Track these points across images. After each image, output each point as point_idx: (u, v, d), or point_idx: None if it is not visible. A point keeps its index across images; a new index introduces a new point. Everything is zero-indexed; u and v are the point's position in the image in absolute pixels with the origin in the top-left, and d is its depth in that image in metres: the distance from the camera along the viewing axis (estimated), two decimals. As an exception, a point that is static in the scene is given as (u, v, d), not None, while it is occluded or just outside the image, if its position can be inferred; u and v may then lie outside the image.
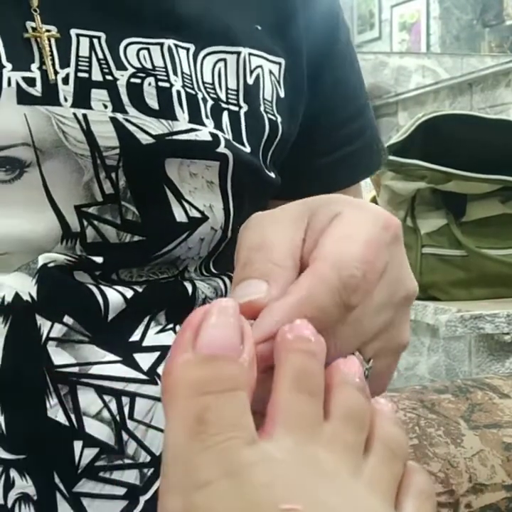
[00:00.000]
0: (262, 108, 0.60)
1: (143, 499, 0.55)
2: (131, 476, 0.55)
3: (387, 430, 0.35)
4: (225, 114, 0.58)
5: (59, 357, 0.53)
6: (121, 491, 0.54)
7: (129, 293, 0.55)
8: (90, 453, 0.53)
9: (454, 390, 1.08)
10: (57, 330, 0.53)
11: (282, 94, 0.62)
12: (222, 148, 0.56)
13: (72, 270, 0.54)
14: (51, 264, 0.53)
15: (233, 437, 0.30)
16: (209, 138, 0.56)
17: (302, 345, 0.34)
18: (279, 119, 0.62)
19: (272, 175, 0.62)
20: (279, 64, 0.62)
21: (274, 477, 0.30)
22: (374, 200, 1.65)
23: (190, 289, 0.59)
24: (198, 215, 0.56)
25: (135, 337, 0.56)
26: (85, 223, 0.53)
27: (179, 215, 0.56)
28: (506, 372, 1.45)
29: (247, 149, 0.59)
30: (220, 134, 0.56)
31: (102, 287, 0.55)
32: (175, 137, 0.55)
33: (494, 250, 1.54)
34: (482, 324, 1.44)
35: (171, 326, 0.58)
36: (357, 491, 0.32)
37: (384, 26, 6.49)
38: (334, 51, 0.68)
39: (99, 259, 0.54)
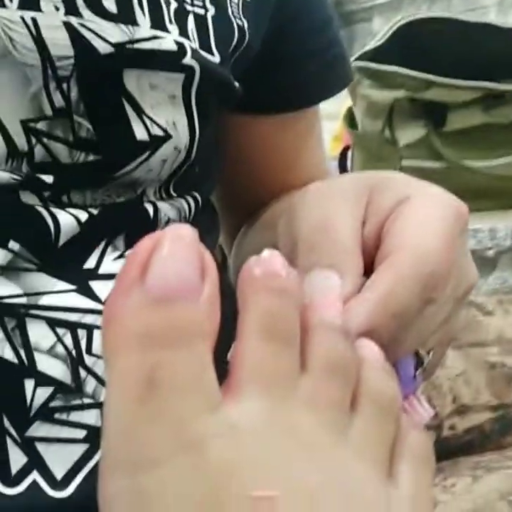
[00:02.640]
0: (230, 11, 0.56)
1: None
2: (92, 417, 0.51)
3: (376, 382, 0.30)
4: (191, 17, 0.54)
5: (3, 287, 0.49)
6: (80, 433, 0.50)
7: (83, 216, 0.51)
8: (44, 393, 0.49)
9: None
10: (1, 257, 0.49)
11: None
12: (188, 59, 0.52)
13: (18, 190, 0.49)
14: None
15: (190, 403, 0.24)
16: (174, 47, 0.51)
17: (272, 282, 0.27)
18: (246, 25, 0.58)
19: (237, 85, 0.58)
20: None
21: (243, 453, 0.24)
22: (350, 111, 1.60)
23: (151, 211, 0.54)
24: (160, 133, 0.52)
25: (90, 264, 0.52)
26: (33, 140, 0.49)
27: (139, 133, 0.51)
28: (489, 288, 1.41)
29: (216, 59, 0.55)
30: (186, 42, 0.52)
31: (53, 210, 0.50)
32: (136, 46, 0.50)
33: (476, 161, 1.51)
34: (464, 239, 1.39)
35: (129, 252, 0.51)
36: (343, 463, 0.26)
37: None
38: None
39: (48, 179, 0.50)
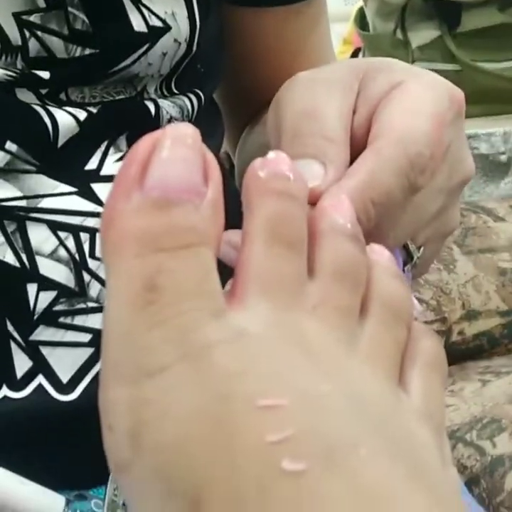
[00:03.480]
0: None
1: None
2: (97, 321, 0.50)
3: (387, 286, 0.28)
4: None
5: (2, 189, 0.48)
6: (85, 337, 0.50)
7: (81, 114, 0.49)
8: (47, 297, 0.49)
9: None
10: None
11: None
12: None
13: (14, 88, 0.48)
14: None
15: (193, 308, 0.23)
16: None
17: (278, 184, 0.26)
18: None
19: None
20: None
21: (248, 360, 0.22)
22: (361, 11, 1.57)
23: (152, 109, 0.52)
24: (159, 23, 0.50)
25: (91, 165, 0.50)
26: (27, 34, 0.47)
27: (137, 24, 0.49)
28: (501, 194, 1.40)
29: None
30: None
31: (50, 108, 0.49)
32: None
33: (490, 63, 1.48)
34: (477, 144, 1.37)
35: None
36: (353, 370, 0.25)
37: None
38: None
39: (45, 75, 0.48)
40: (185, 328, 0.22)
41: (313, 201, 0.30)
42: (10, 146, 0.48)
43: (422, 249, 0.39)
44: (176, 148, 0.24)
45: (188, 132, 0.24)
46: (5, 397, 0.48)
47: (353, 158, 0.35)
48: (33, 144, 0.48)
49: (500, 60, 1.48)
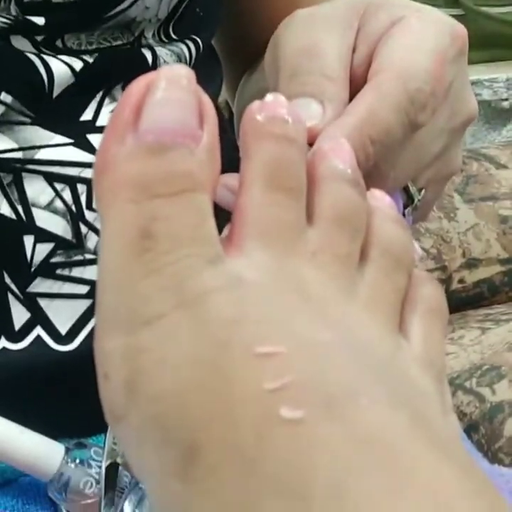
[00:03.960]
0: None
1: None
2: (94, 273, 0.50)
3: (387, 232, 0.28)
4: None
5: None
6: (83, 289, 0.49)
7: (77, 64, 0.48)
8: (44, 248, 0.48)
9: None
10: None
11: None
12: None
13: (8, 35, 0.47)
14: None
15: (190, 255, 0.22)
16: None
17: (277, 128, 0.25)
18: None
19: None
20: None
21: (246, 307, 0.22)
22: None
23: (149, 57, 0.51)
24: None
25: (87, 116, 0.49)
26: None
27: None
28: (503, 140, 1.38)
29: None
30: None
31: (45, 58, 0.48)
32: None
33: (494, 8, 1.45)
34: (479, 90, 1.36)
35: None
36: (352, 318, 0.24)
37: None
38: None
39: (40, 21, 0.47)
40: (181, 276, 0.22)
41: (311, 141, 0.30)
42: (5, 97, 0.47)
43: (422, 191, 0.39)
44: (171, 90, 0.23)
45: (183, 73, 0.24)
46: (4, 348, 0.48)
47: (352, 97, 0.34)
48: (28, 95, 0.47)
49: (504, 4, 1.46)
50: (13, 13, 0.46)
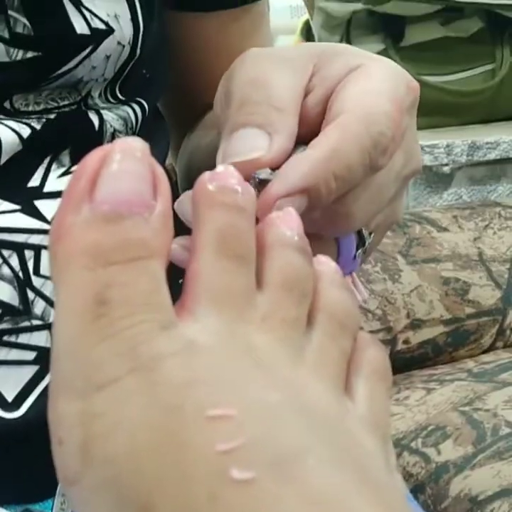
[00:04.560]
0: None
1: None
2: (41, 339, 0.49)
3: (333, 297, 0.28)
4: None
5: None
6: (30, 355, 0.49)
7: (25, 131, 0.49)
8: None
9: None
10: None
11: None
12: None
13: None
14: None
15: (143, 321, 0.23)
16: None
17: (227, 198, 0.26)
18: None
19: None
20: None
21: (198, 371, 0.23)
22: (307, 24, 1.57)
23: (96, 122, 0.52)
24: (101, 26, 0.49)
25: (34, 182, 0.50)
26: None
27: (79, 26, 0.48)
28: (444, 204, 1.42)
29: None
30: None
31: None
32: None
33: (434, 77, 1.49)
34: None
35: (76, 167, 0.49)
36: (300, 381, 0.25)
37: None
38: None
39: None
40: (134, 341, 0.22)
41: (246, 174, 0.30)
42: None
43: (372, 235, 0.40)
44: (126, 162, 0.24)
45: (137, 146, 0.24)
46: None
47: (307, 138, 0.34)
48: None
49: (444, 73, 1.50)
50: None
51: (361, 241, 0.39)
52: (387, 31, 1.49)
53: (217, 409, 0.22)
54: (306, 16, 1.60)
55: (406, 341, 1.21)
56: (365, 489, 0.22)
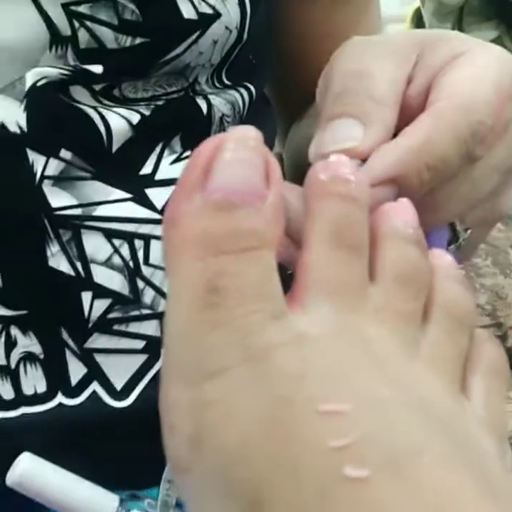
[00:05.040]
0: None
1: None
2: (151, 328, 0.50)
3: (450, 293, 0.28)
4: None
5: (57, 198, 0.48)
6: (139, 344, 0.50)
7: (135, 117, 0.49)
8: (102, 304, 0.49)
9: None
10: (54, 166, 0.47)
11: None
12: None
13: (68, 86, 0.48)
14: (42, 82, 0.47)
15: (255, 311, 0.23)
16: None
17: (340, 187, 0.26)
18: None
19: None
20: None
21: (310, 363, 0.22)
22: (418, 12, 1.55)
23: (204, 107, 0.52)
24: (209, 10, 0.49)
25: (146, 169, 0.50)
26: (76, 24, 0.47)
27: (187, 11, 0.48)
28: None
29: None
30: None
31: (103, 112, 0.49)
32: None
33: None
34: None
35: (188, 153, 0.51)
36: (415, 376, 0.24)
37: None
38: None
39: (98, 69, 0.48)
40: (246, 331, 0.22)
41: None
42: (64, 153, 0.48)
43: (468, 231, 0.38)
44: (239, 151, 0.24)
45: (251, 135, 0.24)
46: (60, 403, 0.49)
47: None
48: (87, 151, 0.48)
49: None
50: (71, 62, 0.47)
51: (455, 236, 0.38)
52: (502, 18, 1.45)
53: (329, 404, 0.21)
54: (416, 4, 1.57)
55: (518, 337, 1.18)
56: (483, 490, 0.21)
